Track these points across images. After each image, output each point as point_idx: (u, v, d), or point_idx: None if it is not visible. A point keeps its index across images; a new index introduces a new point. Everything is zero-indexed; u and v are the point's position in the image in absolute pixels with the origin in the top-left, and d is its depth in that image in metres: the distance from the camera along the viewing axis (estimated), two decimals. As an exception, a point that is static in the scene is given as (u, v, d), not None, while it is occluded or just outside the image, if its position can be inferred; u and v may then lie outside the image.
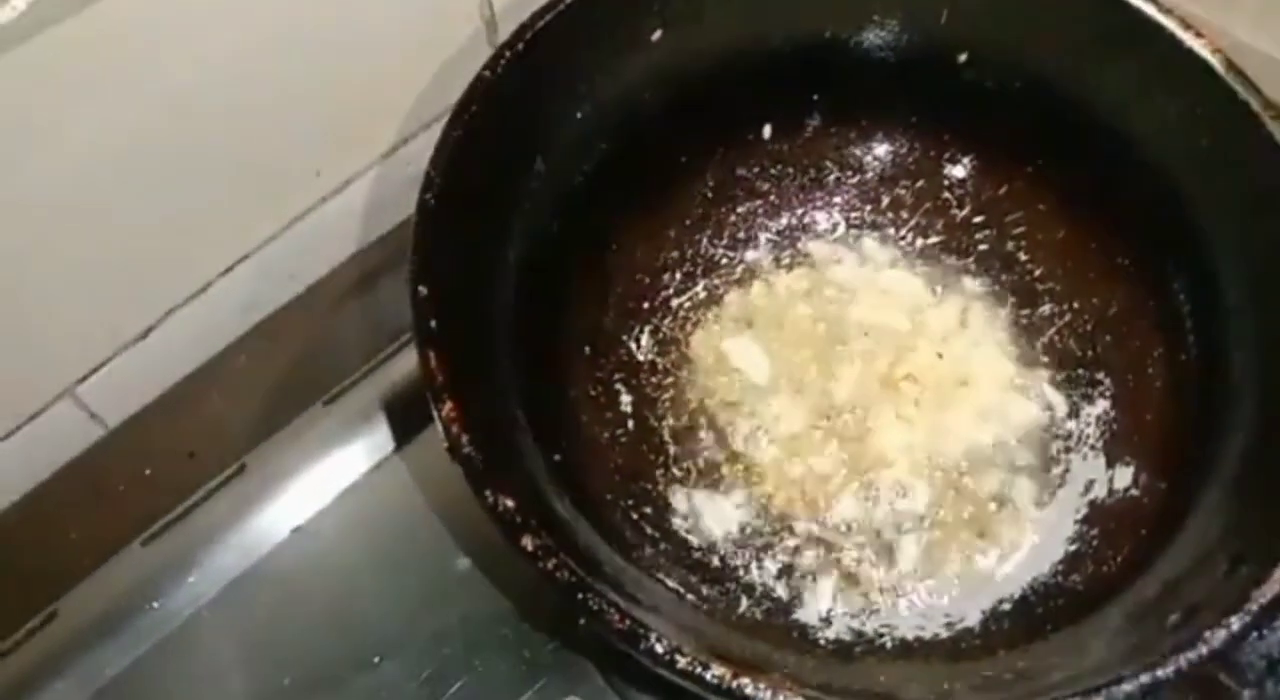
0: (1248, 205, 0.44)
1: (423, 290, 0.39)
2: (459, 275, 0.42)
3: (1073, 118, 0.49)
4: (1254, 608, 0.34)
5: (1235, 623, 0.34)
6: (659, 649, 0.33)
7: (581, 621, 0.35)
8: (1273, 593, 0.35)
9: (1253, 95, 0.43)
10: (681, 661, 0.33)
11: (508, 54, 0.44)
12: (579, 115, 0.48)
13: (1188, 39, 0.44)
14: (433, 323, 0.38)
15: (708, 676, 0.33)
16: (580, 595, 0.34)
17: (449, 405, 0.36)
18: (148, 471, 0.55)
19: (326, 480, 0.53)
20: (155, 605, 0.50)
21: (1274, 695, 0.36)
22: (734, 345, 0.53)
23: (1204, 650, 0.34)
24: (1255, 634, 0.36)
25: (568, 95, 0.47)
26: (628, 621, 0.34)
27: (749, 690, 0.32)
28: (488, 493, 0.35)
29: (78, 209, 0.46)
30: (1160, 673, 0.33)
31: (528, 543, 0.35)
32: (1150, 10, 0.45)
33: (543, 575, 0.35)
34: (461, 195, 0.42)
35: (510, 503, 0.35)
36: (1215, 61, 0.44)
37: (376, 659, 0.48)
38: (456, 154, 0.42)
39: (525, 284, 0.46)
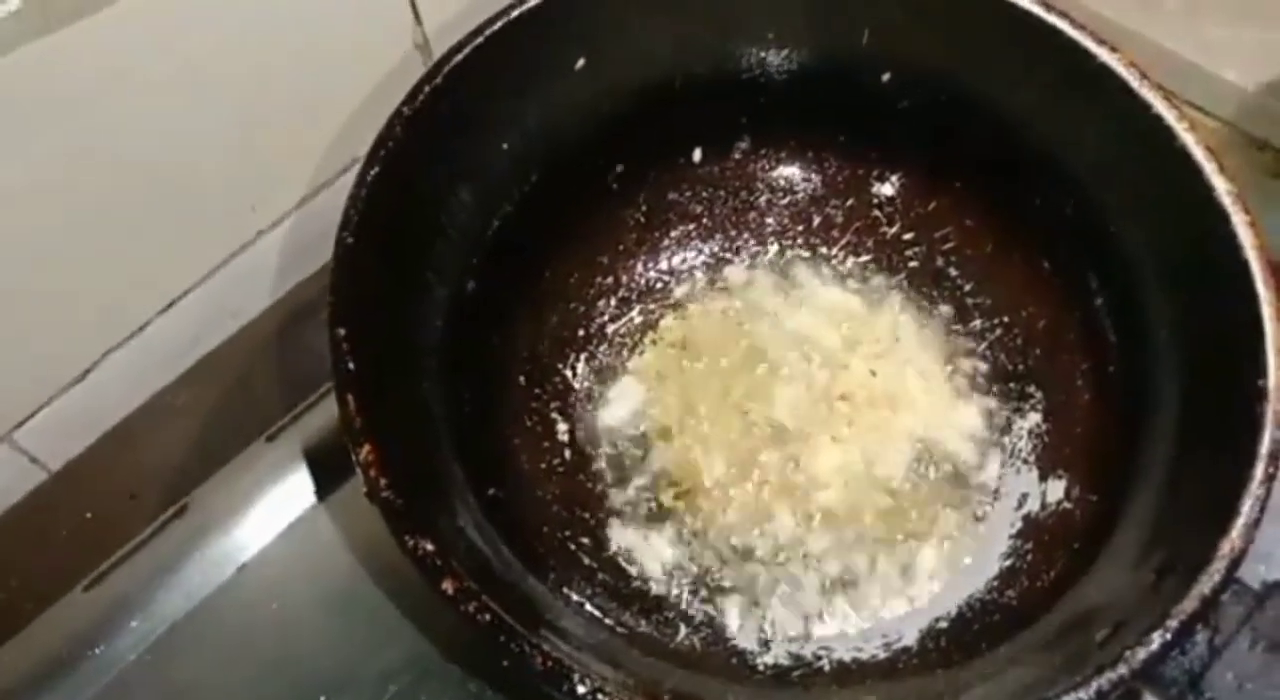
0: (1164, 217, 0.44)
1: (340, 331, 0.38)
2: (382, 313, 0.42)
3: (995, 134, 0.49)
4: (1174, 624, 0.34)
5: (1156, 640, 0.34)
6: (581, 690, 0.33)
7: (504, 664, 0.35)
8: (1193, 608, 0.35)
9: (1166, 108, 0.43)
10: (603, 701, 0.33)
11: (426, 89, 0.44)
12: (505, 145, 0.48)
13: (1102, 53, 0.44)
14: (351, 364, 0.38)
15: (630, 714, 0.33)
16: (501, 638, 0.34)
17: (366, 448, 0.36)
18: (89, 515, 0.55)
19: (270, 518, 0.52)
20: (98, 651, 0.49)
21: (1195, 711, 0.36)
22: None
23: (1125, 670, 0.34)
24: (1177, 650, 0.37)
25: (491, 126, 0.47)
26: (549, 662, 0.33)
27: (669, 728, 0.32)
28: (406, 537, 0.35)
29: (8, 250, 0.46)
30: (1082, 694, 0.34)
31: (448, 586, 0.35)
32: (1064, 25, 0.45)
33: (463, 618, 0.34)
34: (382, 231, 0.42)
35: (430, 546, 0.35)
36: (1129, 75, 0.44)
37: (322, 698, 0.47)
38: (375, 190, 0.41)
39: (455, 317, 0.46)
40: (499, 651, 0.34)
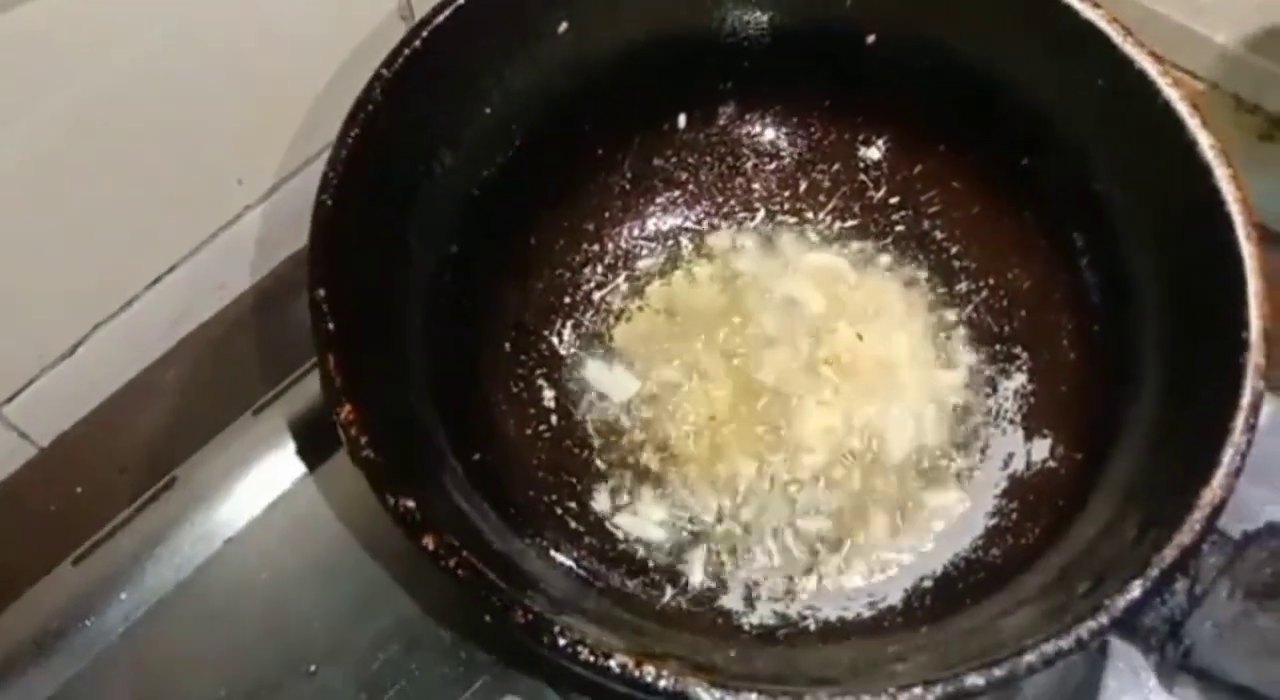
0: (1149, 174, 0.44)
1: (320, 293, 0.38)
2: (363, 275, 0.42)
3: (980, 95, 0.49)
4: (1154, 573, 0.35)
5: (1136, 589, 0.35)
6: (561, 641, 0.33)
7: (486, 618, 0.35)
8: (1173, 557, 0.35)
9: (1149, 63, 0.43)
10: (584, 653, 0.33)
11: (405, 51, 0.44)
12: (487, 110, 0.48)
13: (1085, 10, 0.44)
14: (331, 325, 0.38)
15: (611, 666, 0.33)
16: (482, 592, 0.34)
17: (348, 408, 0.36)
18: (78, 489, 0.55)
19: (258, 490, 0.52)
20: (88, 623, 0.49)
21: (1175, 660, 0.36)
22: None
23: (1105, 619, 0.34)
24: (1158, 599, 0.37)
25: (472, 90, 0.47)
26: (529, 616, 0.34)
27: (649, 679, 0.32)
28: (387, 494, 0.35)
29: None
30: (1061, 643, 0.34)
31: (429, 542, 0.35)
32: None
33: (444, 573, 0.35)
34: (362, 194, 0.42)
35: (410, 503, 0.35)
36: (1112, 31, 0.44)
37: (313, 667, 0.48)
38: (354, 153, 0.41)
39: (439, 282, 0.46)
40: (481, 607, 0.34)
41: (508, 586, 0.35)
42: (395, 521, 0.35)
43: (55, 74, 0.44)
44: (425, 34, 0.44)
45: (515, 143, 0.49)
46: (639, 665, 0.33)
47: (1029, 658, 0.33)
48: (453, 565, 0.34)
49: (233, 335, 0.59)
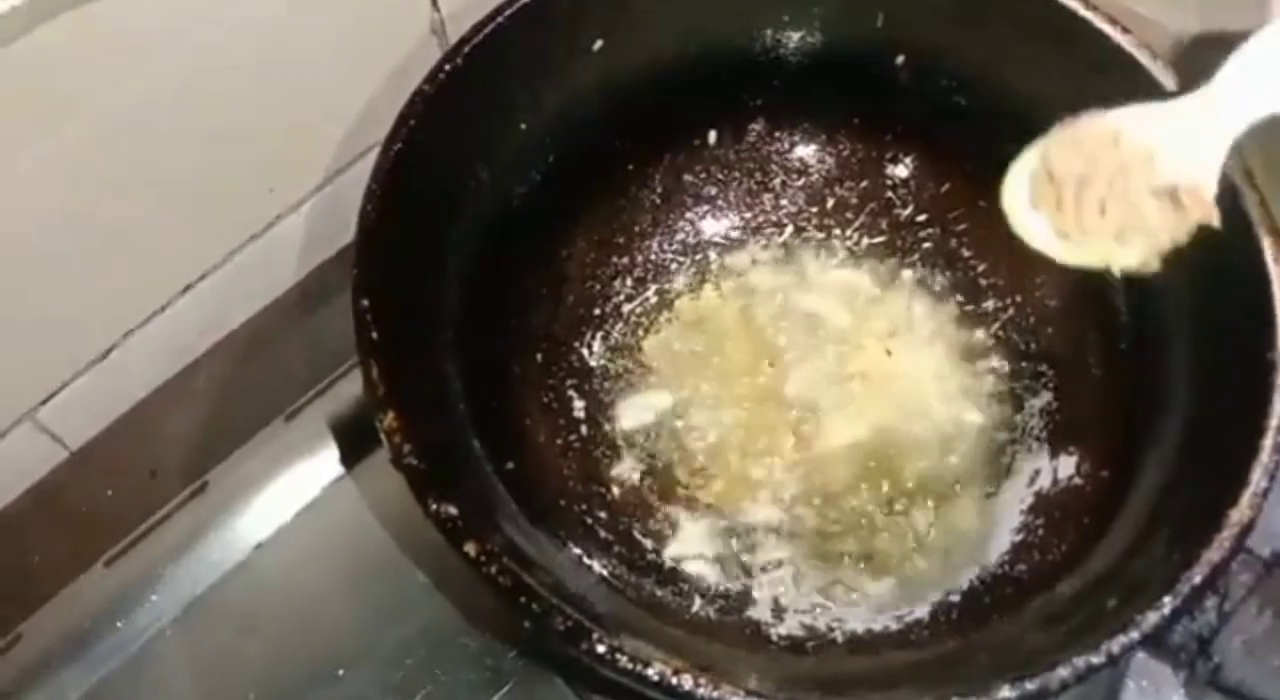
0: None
1: (364, 302, 0.39)
2: (403, 286, 0.42)
3: (1008, 115, 0.49)
4: (1184, 590, 0.35)
5: (1166, 606, 0.35)
6: (600, 649, 0.34)
7: (526, 625, 0.35)
8: (1203, 574, 0.35)
9: (1179, 88, 0.43)
10: (622, 660, 0.34)
11: (446, 68, 0.44)
12: (523, 125, 0.49)
13: (1115, 34, 0.45)
14: (374, 334, 0.39)
15: (649, 674, 0.34)
16: (522, 599, 0.35)
17: (391, 416, 0.37)
18: (110, 492, 0.55)
19: (288, 496, 0.53)
20: (119, 625, 0.50)
21: (1204, 676, 0.37)
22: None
23: (1135, 634, 0.34)
24: (1187, 616, 0.37)
25: (510, 106, 0.48)
26: (569, 623, 0.34)
27: (687, 686, 0.33)
28: (430, 501, 0.36)
29: (29, 232, 0.46)
30: (1093, 658, 0.34)
31: (470, 549, 0.35)
32: (1077, 7, 0.45)
33: (486, 581, 0.35)
34: (403, 207, 0.42)
35: (453, 510, 0.36)
36: (1142, 57, 0.44)
37: (340, 672, 0.48)
38: (397, 167, 0.42)
39: (473, 293, 0.46)
40: (521, 613, 0.35)
41: (548, 593, 0.35)
42: (437, 528, 0.36)
43: (92, 85, 0.44)
44: (466, 51, 0.45)
45: (549, 157, 0.50)
46: (676, 674, 0.33)
47: (1061, 672, 0.34)
48: (494, 572, 0.35)
49: (263, 342, 0.60)
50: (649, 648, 0.35)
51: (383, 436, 0.37)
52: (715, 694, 0.33)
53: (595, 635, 0.34)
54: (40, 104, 0.43)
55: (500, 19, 0.45)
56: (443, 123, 0.44)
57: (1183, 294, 0.44)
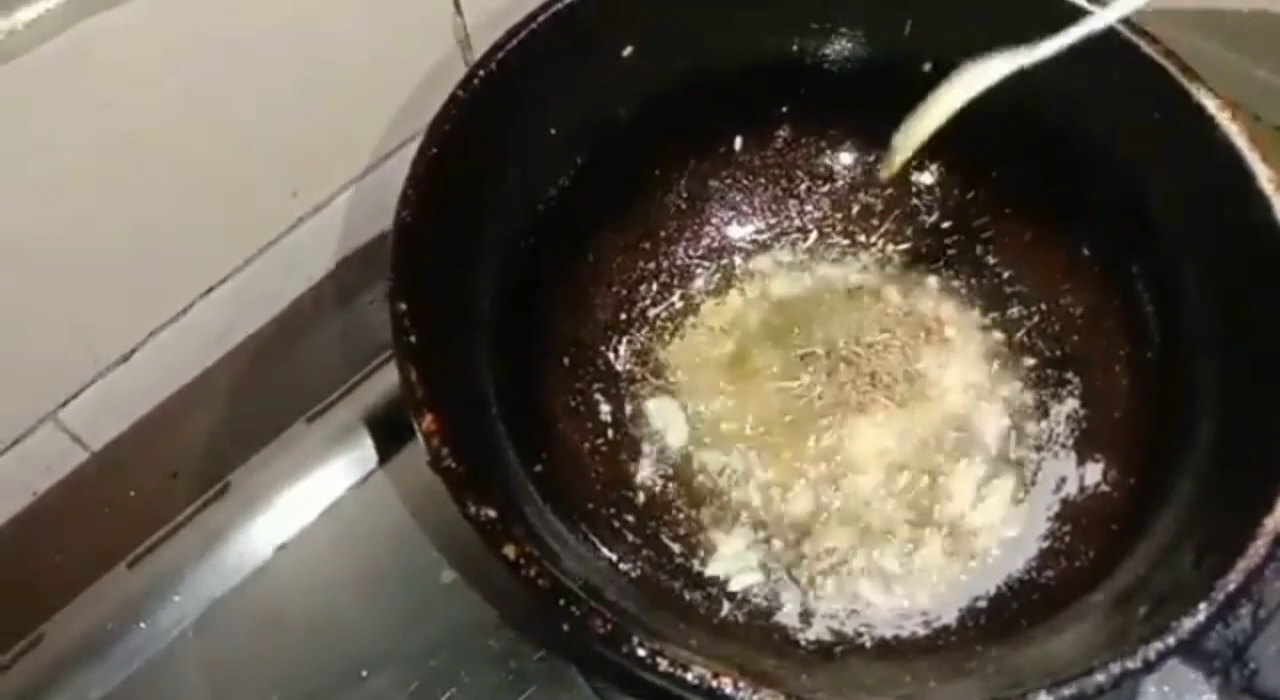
0: (1205, 204, 0.45)
1: (402, 306, 0.39)
2: (437, 290, 0.42)
3: (1035, 123, 0.50)
4: (1220, 597, 0.35)
5: (1202, 612, 0.35)
6: (641, 652, 0.34)
7: (565, 628, 0.35)
8: (1238, 582, 0.35)
9: (1207, 97, 0.44)
10: (663, 664, 0.34)
11: (481, 73, 0.44)
12: (553, 131, 0.49)
13: (1143, 44, 0.45)
14: (412, 338, 0.39)
15: (689, 677, 0.34)
16: (562, 602, 0.35)
17: (429, 418, 0.37)
18: (131, 493, 0.55)
19: (309, 498, 0.53)
20: (141, 626, 0.50)
21: (1240, 682, 0.37)
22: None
23: (1171, 640, 0.35)
24: (1221, 623, 0.37)
25: (541, 111, 0.48)
26: (610, 626, 0.34)
27: (728, 690, 0.33)
28: (469, 503, 0.36)
29: (53, 233, 0.46)
30: (1130, 663, 0.34)
31: (510, 551, 0.35)
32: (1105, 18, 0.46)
33: (525, 583, 0.35)
34: (438, 211, 0.43)
35: (492, 513, 0.36)
36: (1170, 65, 0.45)
37: (363, 673, 0.48)
38: (432, 171, 0.42)
39: (503, 297, 0.46)
40: (559, 617, 0.35)
41: (586, 596, 0.35)
42: (476, 531, 0.36)
43: (117, 88, 0.44)
44: (500, 56, 0.45)
45: (577, 162, 0.50)
46: (716, 677, 0.34)
47: (1098, 678, 0.34)
48: (533, 574, 0.35)
49: (285, 344, 0.60)
50: (682, 651, 0.35)
51: (421, 439, 0.37)
52: (755, 698, 0.33)
53: (636, 638, 0.34)
54: (67, 105, 0.43)
55: (533, 25, 0.46)
56: (477, 127, 0.45)
57: (1212, 303, 0.44)
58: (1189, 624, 0.35)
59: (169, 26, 0.44)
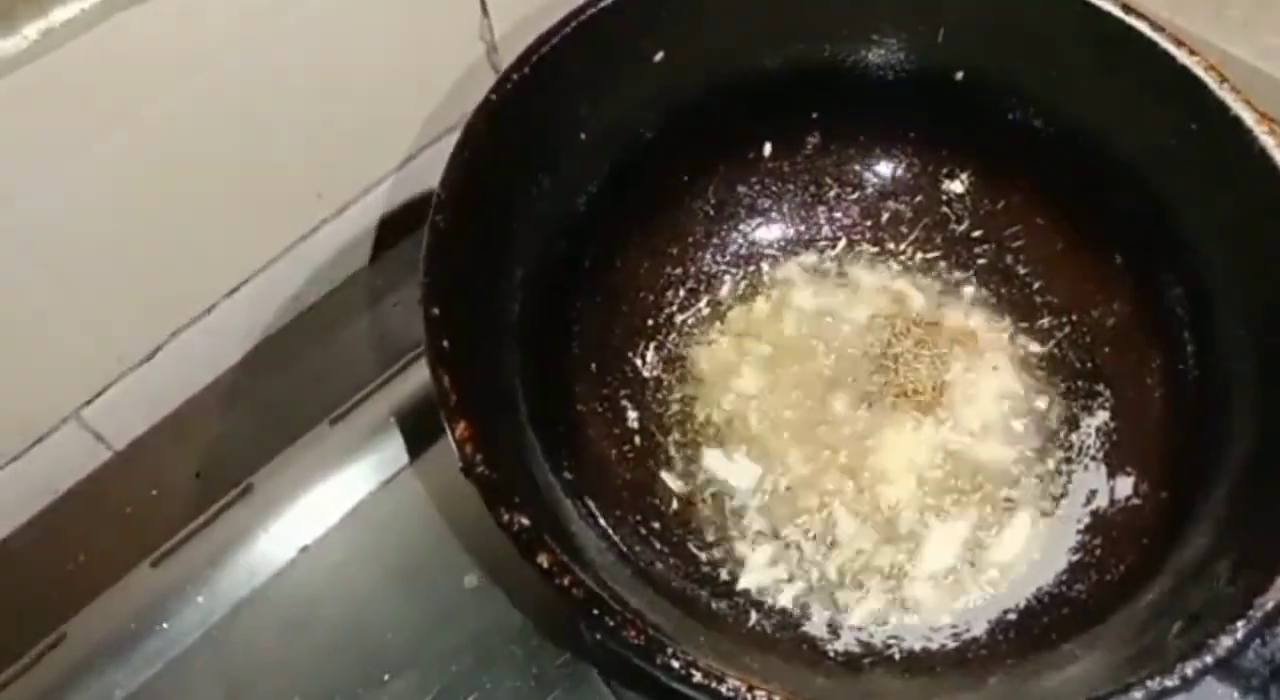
0: (1241, 217, 0.44)
1: (435, 311, 0.39)
2: (468, 295, 0.42)
3: (1068, 133, 0.49)
4: (1258, 615, 0.35)
5: (1240, 630, 0.35)
6: (675, 663, 0.34)
7: (597, 636, 0.35)
8: (1275, 600, 0.35)
9: (1245, 110, 0.43)
10: (697, 675, 0.34)
11: (514, 77, 0.44)
12: (583, 135, 0.49)
13: (1180, 55, 0.45)
14: (445, 343, 0.38)
15: (723, 690, 0.33)
16: (595, 611, 0.35)
17: (462, 425, 0.37)
18: (154, 493, 0.55)
19: (333, 500, 0.53)
20: (164, 626, 0.50)
21: (1277, 701, 0.37)
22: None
23: (1209, 658, 0.34)
24: (1258, 641, 0.37)
25: (572, 116, 0.48)
26: (644, 636, 0.34)
27: (764, 702, 0.33)
28: (503, 511, 0.36)
29: (80, 233, 0.47)
30: (1168, 681, 0.34)
31: (543, 560, 0.35)
32: (1143, 27, 0.45)
33: (558, 592, 0.35)
34: (470, 216, 0.42)
35: (525, 520, 0.35)
36: (1208, 77, 0.44)
37: (386, 677, 0.48)
38: (466, 175, 0.42)
39: (532, 302, 0.46)
40: (593, 626, 0.35)
41: (619, 606, 0.35)
42: (510, 539, 0.36)
43: (147, 89, 0.45)
44: (533, 61, 0.45)
45: (606, 167, 0.50)
46: (750, 690, 0.33)
47: (1135, 695, 0.34)
48: (567, 583, 0.35)
49: (309, 345, 0.60)
50: (718, 663, 0.35)
51: (454, 446, 0.37)
52: (790, 711, 0.33)
53: (670, 649, 0.34)
54: (92, 109, 0.43)
55: (566, 30, 0.45)
56: (508, 132, 0.44)
57: (1247, 315, 0.44)
58: (1227, 641, 0.35)
59: (196, 27, 0.44)
